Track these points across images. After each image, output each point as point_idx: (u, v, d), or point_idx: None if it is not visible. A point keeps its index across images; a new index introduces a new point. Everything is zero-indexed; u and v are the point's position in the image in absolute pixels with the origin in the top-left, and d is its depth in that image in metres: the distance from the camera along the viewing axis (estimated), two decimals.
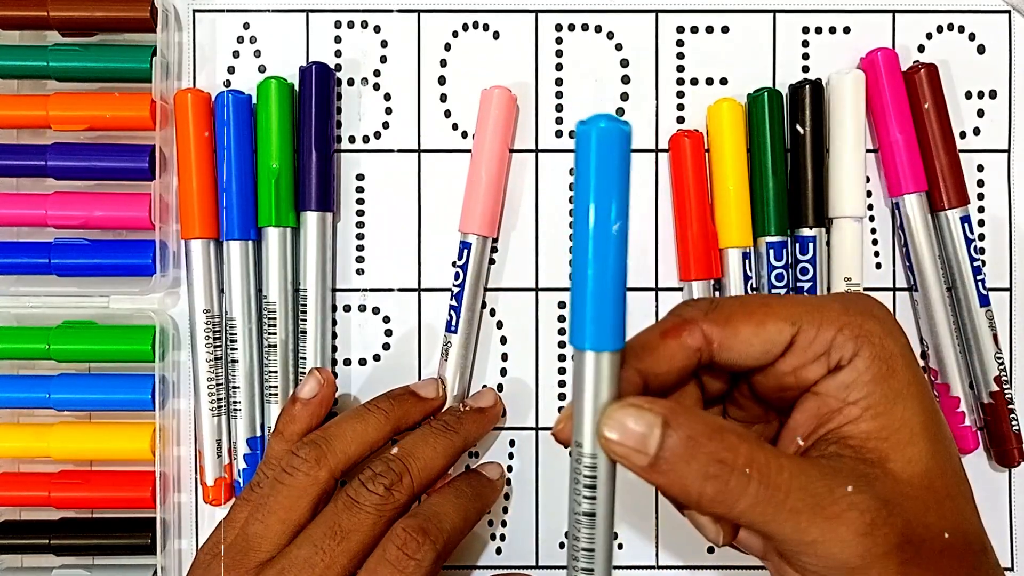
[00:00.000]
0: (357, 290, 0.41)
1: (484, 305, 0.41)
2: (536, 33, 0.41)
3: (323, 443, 0.35)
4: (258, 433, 0.40)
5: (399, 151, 0.41)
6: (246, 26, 0.41)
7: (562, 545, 0.41)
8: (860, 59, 0.40)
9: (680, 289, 0.41)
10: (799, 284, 0.39)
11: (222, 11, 0.41)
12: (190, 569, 0.35)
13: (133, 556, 0.41)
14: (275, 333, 0.39)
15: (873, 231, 0.41)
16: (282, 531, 0.34)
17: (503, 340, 0.41)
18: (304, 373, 0.39)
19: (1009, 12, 0.41)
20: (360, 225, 0.41)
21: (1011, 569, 0.41)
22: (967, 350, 0.40)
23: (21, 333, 0.40)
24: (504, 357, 0.41)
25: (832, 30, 0.41)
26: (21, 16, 0.38)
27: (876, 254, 0.41)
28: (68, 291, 0.40)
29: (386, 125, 0.41)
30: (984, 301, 0.39)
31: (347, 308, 0.41)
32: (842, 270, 0.39)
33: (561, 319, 0.41)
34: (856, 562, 0.24)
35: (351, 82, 0.41)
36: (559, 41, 0.41)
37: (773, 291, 0.39)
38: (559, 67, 0.41)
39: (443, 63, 0.41)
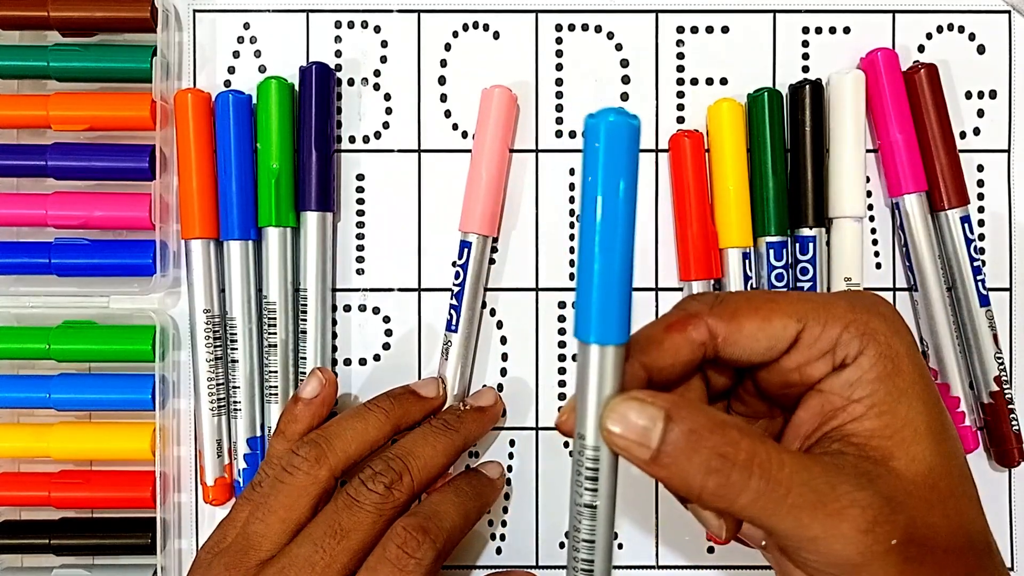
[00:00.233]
0: (357, 290, 0.41)
1: (484, 305, 0.41)
2: (536, 33, 0.41)
3: (323, 442, 0.35)
4: (258, 433, 0.40)
5: (399, 151, 0.41)
6: (246, 26, 0.41)
7: (562, 545, 0.41)
8: (860, 59, 0.40)
9: (680, 289, 0.41)
10: (799, 284, 0.39)
11: (222, 11, 0.41)
12: (190, 569, 0.35)
13: (133, 556, 0.41)
14: (275, 333, 0.39)
15: (873, 231, 0.41)
16: (283, 530, 0.34)
17: (503, 340, 0.41)
18: (304, 373, 0.39)
19: (1009, 12, 0.41)
20: (360, 225, 0.41)
21: (1011, 569, 0.41)
22: (967, 350, 0.40)
23: (21, 333, 0.40)
24: (504, 357, 0.41)
25: (832, 30, 0.41)
26: (21, 16, 0.38)
27: (876, 254, 0.41)
28: (68, 291, 0.40)
29: (386, 125, 0.41)
30: (984, 301, 0.39)
31: (347, 308, 0.41)
32: (842, 270, 0.39)
33: (561, 319, 0.41)
34: (857, 559, 0.24)
35: (351, 82, 0.41)
36: (559, 41, 0.41)
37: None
38: (559, 67, 0.41)
39: (443, 63, 0.41)
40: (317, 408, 0.37)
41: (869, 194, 0.41)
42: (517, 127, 0.41)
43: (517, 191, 0.41)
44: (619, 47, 0.41)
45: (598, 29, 0.41)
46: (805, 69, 0.41)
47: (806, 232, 0.39)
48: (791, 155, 0.40)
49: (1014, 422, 0.40)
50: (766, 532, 0.26)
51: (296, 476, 0.34)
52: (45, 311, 0.40)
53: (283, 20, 0.41)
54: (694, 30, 0.41)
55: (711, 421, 0.25)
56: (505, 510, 0.41)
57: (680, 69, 0.41)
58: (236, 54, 0.41)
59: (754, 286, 0.39)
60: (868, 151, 0.40)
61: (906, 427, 0.26)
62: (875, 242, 0.41)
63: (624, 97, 0.41)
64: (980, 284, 0.39)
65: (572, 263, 0.41)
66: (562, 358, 0.41)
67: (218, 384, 0.40)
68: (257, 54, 0.41)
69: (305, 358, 0.39)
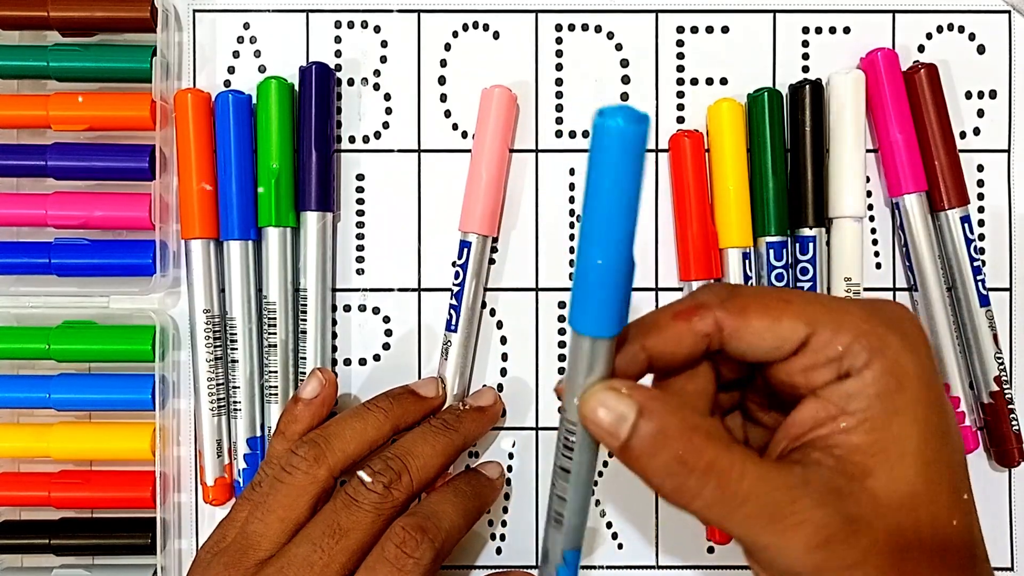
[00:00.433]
0: (357, 290, 0.41)
1: (484, 305, 0.41)
2: (536, 33, 0.41)
3: (322, 442, 0.35)
4: (258, 433, 0.40)
5: (399, 151, 0.41)
6: (246, 26, 0.41)
7: None
8: (860, 59, 0.40)
9: (680, 289, 0.41)
10: (799, 284, 0.39)
11: (222, 11, 0.41)
12: (190, 569, 0.35)
13: (133, 556, 0.41)
14: (275, 333, 0.39)
15: (873, 231, 0.41)
16: (282, 529, 0.34)
17: (503, 340, 0.41)
18: (304, 373, 0.39)
19: (1009, 12, 0.41)
20: (360, 225, 0.41)
21: (1011, 569, 0.41)
22: (967, 350, 0.40)
23: (21, 333, 0.40)
24: (504, 357, 0.41)
25: (832, 30, 0.41)
26: (21, 16, 0.38)
27: (876, 254, 0.41)
28: (68, 291, 0.40)
29: (386, 125, 0.41)
30: (984, 301, 0.39)
31: (347, 308, 0.41)
32: (842, 270, 0.39)
33: (561, 319, 0.41)
34: (808, 574, 0.25)
35: (351, 82, 0.41)
36: (559, 41, 0.41)
37: (754, 285, 0.39)
38: (559, 67, 0.41)
39: (443, 63, 0.41)
40: (317, 408, 0.37)
41: (869, 194, 0.41)
42: (517, 127, 0.41)
43: (517, 191, 0.41)
44: (619, 47, 0.41)
45: (598, 29, 0.41)
46: (805, 69, 0.41)
47: (806, 232, 0.39)
48: (791, 155, 0.40)
49: (1014, 422, 0.40)
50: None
51: (295, 476, 0.34)
52: (45, 311, 0.40)
53: (283, 20, 0.41)
54: (694, 30, 0.41)
55: (680, 424, 0.25)
56: (505, 510, 0.41)
57: (680, 69, 0.41)
58: (236, 54, 0.41)
59: (753, 286, 0.39)
60: (868, 151, 0.40)
61: (892, 447, 0.25)
62: (875, 242, 0.41)
63: (624, 97, 0.41)
64: (980, 284, 0.39)
65: (572, 263, 0.41)
66: (562, 358, 0.41)
67: (218, 384, 0.40)
68: (257, 54, 0.41)
69: (305, 358, 0.39)
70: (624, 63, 0.41)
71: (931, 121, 0.39)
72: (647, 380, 0.28)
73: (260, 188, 0.39)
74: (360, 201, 0.41)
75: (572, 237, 0.41)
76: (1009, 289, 0.41)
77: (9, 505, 0.41)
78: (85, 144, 0.40)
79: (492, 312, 0.41)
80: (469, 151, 0.41)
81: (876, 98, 0.39)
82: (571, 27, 0.41)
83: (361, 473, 0.34)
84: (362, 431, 0.36)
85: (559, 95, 0.41)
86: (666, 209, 0.41)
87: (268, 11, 0.41)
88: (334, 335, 0.41)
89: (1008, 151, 0.41)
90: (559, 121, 0.41)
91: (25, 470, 0.41)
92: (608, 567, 0.41)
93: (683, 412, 0.26)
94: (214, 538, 0.35)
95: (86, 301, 0.40)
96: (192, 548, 0.41)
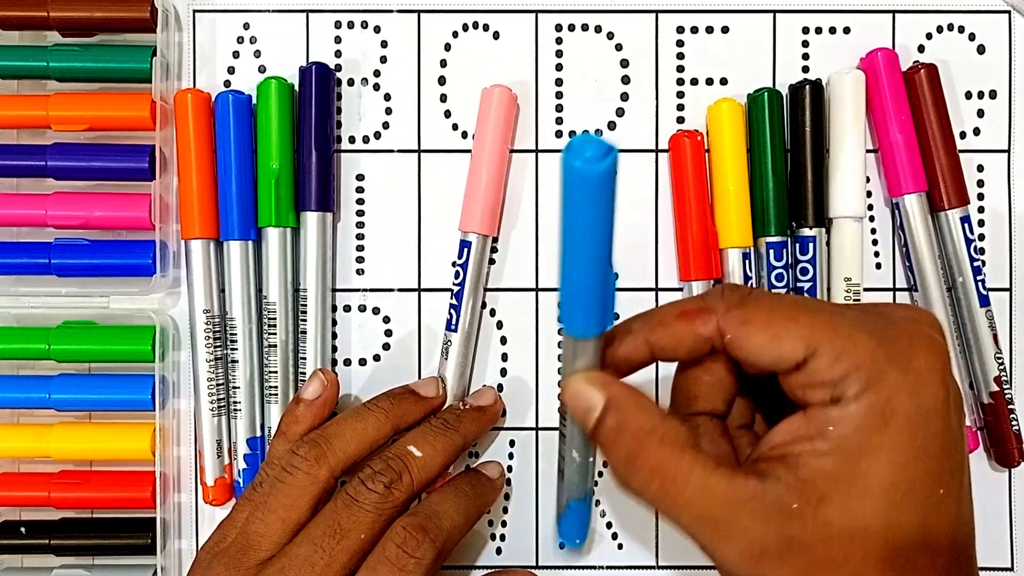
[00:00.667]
0: (357, 290, 0.41)
1: (484, 305, 0.41)
2: (536, 33, 0.41)
3: (323, 442, 0.35)
4: (258, 433, 0.40)
5: (399, 151, 0.41)
6: (246, 26, 0.41)
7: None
8: (860, 59, 0.40)
9: (680, 289, 0.41)
10: (799, 284, 0.39)
11: (222, 11, 0.41)
12: (190, 569, 0.35)
13: (133, 556, 0.41)
14: (275, 333, 0.39)
15: (873, 231, 0.41)
16: (282, 530, 0.34)
17: (503, 340, 0.41)
18: (304, 373, 0.39)
19: (1009, 12, 0.41)
20: (360, 225, 0.41)
21: (1011, 569, 0.41)
22: (967, 350, 0.40)
23: (21, 333, 0.40)
24: (504, 357, 0.41)
25: (832, 30, 0.41)
26: (21, 16, 0.38)
27: (876, 254, 0.41)
28: (68, 291, 0.40)
29: (386, 125, 0.41)
30: (984, 301, 0.39)
31: (347, 308, 0.41)
32: (842, 270, 0.39)
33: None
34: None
35: (351, 82, 0.41)
36: (559, 41, 0.41)
37: (773, 291, 0.39)
38: (559, 67, 0.41)
39: (443, 63, 0.41)
40: (319, 409, 0.37)
41: (869, 194, 0.41)
42: (517, 127, 0.41)
43: (517, 191, 0.41)
44: (619, 47, 0.41)
45: (598, 29, 0.41)
46: (805, 69, 0.41)
47: (806, 232, 0.39)
48: (791, 155, 0.40)
49: (1014, 422, 0.40)
50: None
51: (296, 476, 0.34)
52: (45, 311, 0.40)
53: (283, 20, 0.41)
54: (694, 30, 0.41)
55: (638, 425, 0.27)
56: (505, 510, 0.41)
57: (680, 69, 0.41)
58: (236, 54, 0.41)
59: (754, 286, 0.39)
60: (868, 151, 0.40)
61: (858, 482, 0.25)
62: (875, 242, 0.41)
63: (624, 97, 0.41)
64: (980, 284, 0.39)
65: None
66: (562, 358, 0.41)
67: (218, 384, 0.40)
68: (257, 54, 0.41)
69: (305, 358, 0.39)
70: (624, 63, 0.41)
71: (931, 121, 0.39)
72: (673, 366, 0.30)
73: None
74: (360, 201, 0.41)
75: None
76: (1009, 289, 0.41)
77: (9, 505, 0.41)
78: (85, 144, 0.40)
79: (492, 312, 0.41)
80: (469, 151, 0.41)
81: (876, 98, 0.39)
82: (571, 27, 0.41)
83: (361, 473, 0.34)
84: (363, 431, 0.36)
85: (559, 95, 0.41)
86: (666, 209, 0.41)
87: (268, 11, 0.41)
88: (334, 335, 0.41)
89: (1008, 151, 0.41)
90: (559, 121, 0.41)
91: (25, 470, 0.41)
92: (608, 567, 0.41)
93: (647, 414, 0.27)
94: (214, 538, 0.35)
95: (86, 301, 0.40)
96: (192, 548, 0.41)
